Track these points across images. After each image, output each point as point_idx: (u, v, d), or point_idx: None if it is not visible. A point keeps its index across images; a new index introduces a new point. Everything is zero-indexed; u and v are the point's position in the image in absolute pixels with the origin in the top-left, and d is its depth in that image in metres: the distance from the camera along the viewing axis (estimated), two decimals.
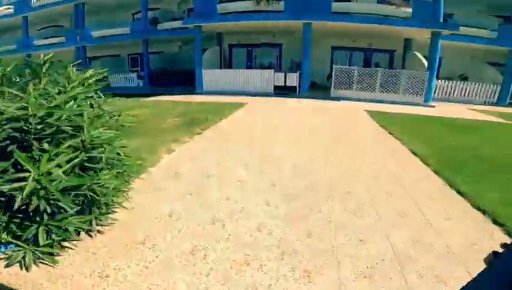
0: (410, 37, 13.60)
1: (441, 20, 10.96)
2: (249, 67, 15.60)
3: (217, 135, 5.94)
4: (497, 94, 14.27)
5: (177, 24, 15.29)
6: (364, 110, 9.49)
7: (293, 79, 12.04)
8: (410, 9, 11.24)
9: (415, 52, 13.22)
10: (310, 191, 3.38)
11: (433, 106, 11.31)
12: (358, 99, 11.48)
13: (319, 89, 13.93)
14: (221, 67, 15.27)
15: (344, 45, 14.95)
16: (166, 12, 17.85)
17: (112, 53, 20.20)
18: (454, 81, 14.46)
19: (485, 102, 14.35)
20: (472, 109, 11.97)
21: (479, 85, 14.31)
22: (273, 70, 12.46)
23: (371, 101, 11.35)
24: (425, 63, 11.88)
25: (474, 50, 15.20)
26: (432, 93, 11.67)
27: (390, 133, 6.41)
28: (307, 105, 10.31)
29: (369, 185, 3.57)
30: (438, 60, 11.20)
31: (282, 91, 12.37)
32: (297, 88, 12.17)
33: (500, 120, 9.42)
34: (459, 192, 3.40)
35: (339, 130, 6.76)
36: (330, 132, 6.50)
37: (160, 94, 12.97)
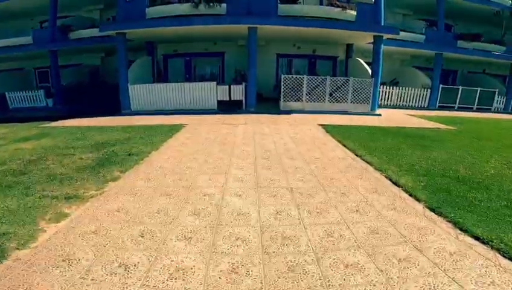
0: (352, 42, 13.55)
1: (382, 24, 10.88)
2: (187, 80, 13.91)
3: (142, 181, 4.20)
4: (427, 99, 15.12)
5: (95, 32, 12.85)
6: (319, 125, 8.68)
7: (238, 92, 10.78)
8: (354, 13, 10.95)
9: (357, 58, 13.18)
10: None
11: (380, 114, 11.17)
12: (310, 112, 10.72)
13: (266, 102, 12.93)
14: (154, 82, 13.29)
15: (289, 52, 14.32)
16: (83, 19, 15.14)
17: (15, 67, 16.49)
18: (394, 87, 14.90)
19: (418, 106, 15.10)
20: (411, 115, 12.24)
21: (413, 90, 15.01)
22: (215, 83, 10.97)
23: (321, 112, 10.71)
24: (368, 69, 11.75)
25: (403, 54, 16.04)
26: (378, 101, 11.56)
27: (359, 156, 5.49)
28: (256, 122, 9.09)
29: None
30: (381, 66, 11.11)
31: (227, 106, 11.00)
32: (244, 102, 10.93)
33: (444, 126, 9.52)
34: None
35: (305, 156, 5.60)
36: (298, 161, 5.27)
37: (74, 116, 10.44)
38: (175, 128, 7.93)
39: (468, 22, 17.13)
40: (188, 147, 6.18)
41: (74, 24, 14.24)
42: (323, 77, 10.73)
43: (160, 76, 14.19)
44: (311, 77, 10.71)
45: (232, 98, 10.71)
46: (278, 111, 10.69)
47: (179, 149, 5.98)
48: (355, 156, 5.54)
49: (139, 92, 10.86)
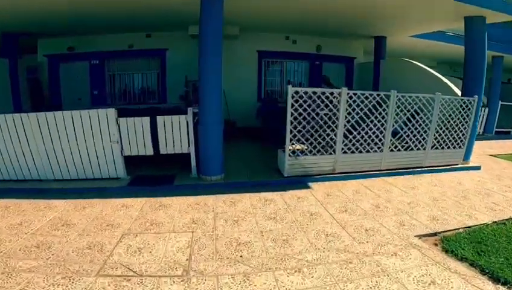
0: (383, 33, 7.98)
1: None
2: (96, 100, 7.43)
3: None
4: (483, 122, 9.99)
5: None
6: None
7: (176, 133, 4.37)
8: None
9: (404, 59, 7.59)
10: None
11: (478, 167, 5.55)
12: (348, 176, 4.71)
13: (243, 139, 6.86)
14: (20, 108, 6.65)
15: (279, 49, 8.42)
16: None
17: None
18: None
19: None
20: (493, 155, 6.87)
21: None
22: (111, 112, 4.24)
23: (370, 174, 4.80)
24: (448, 83, 6.12)
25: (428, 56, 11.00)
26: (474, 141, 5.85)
27: None
28: (234, 252, 2.92)
29: None
30: (484, 71, 5.52)
31: (155, 171, 4.70)
32: (194, 160, 4.54)
33: None
34: None
35: None
36: None
37: None
38: None
39: None
40: None
41: None
42: (384, 93, 4.70)
43: (42, 96, 7.57)
44: (359, 92, 4.53)
45: (165, 150, 4.36)
46: (279, 179, 4.52)
47: None
48: None
49: None
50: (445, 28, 7.74)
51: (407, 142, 5.03)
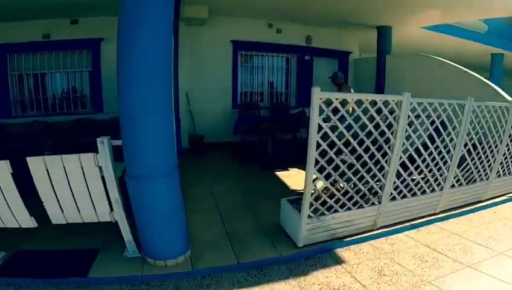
0: (388, 22, 6.38)
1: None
2: None
3: None
4: None
5: None
6: None
7: (82, 193, 2.00)
8: None
9: (422, 54, 6.00)
10: None
11: None
12: (396, 229, 2.91)
13: (218, 164, 4.85)
14: None
15: (259, 39, 6.43)
16: None
17: None
18: None
19: None
20: None
21: None
22: None
23: (429, 221, 3.05)
24: (496, 88, 4.54)
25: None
26: None
27: None
28: None
29: None
30: None
31: (71, 244, 2.53)
32: (129, 233, 2.20)
33: None
34: None
35: None
36: None
37: None
38: None
39: None
40: None
41: None
42: (456, 102, 2.83)
43: None
44: (425, 102, 2.59)
45: (62, 218, 2.14)
46: (290, 253, 2.50)
47: None
48: None
49: None
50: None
51: (472, 172, 3.34)
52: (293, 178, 4.37)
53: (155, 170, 1.93)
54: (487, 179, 3.54)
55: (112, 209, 2.23)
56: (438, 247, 2.61)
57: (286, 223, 2.81)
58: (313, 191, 2.40)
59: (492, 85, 4.52)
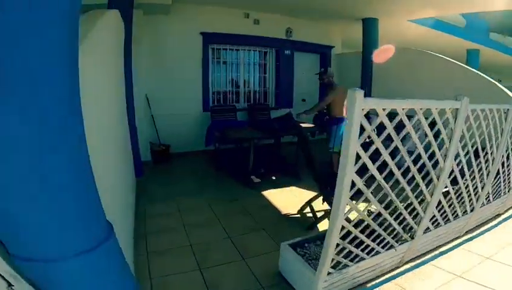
0: (374, 14, 5.84)
1: None
2: None
3: None
4: None
5: None
6: None
7: None
8: None
9: (424, 51, 5.44)
10: None
11: None
12: (423, 261, 2.26)
13: (187, 180, 3.90)
14: None
15: (233, 31, 5.55)
16: None
17: None
18: None
19: None
20: None
21: None
22: None
23: (455, 246, 2.43)
24: (503, 88, 4.07)
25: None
26: None
27: None
28: None
29: None
30: None
31: None
32: None
33: None
34: None
35: None
36: None
37: None
38: None
39: None
40: None
41: None
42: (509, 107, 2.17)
43: None
44: (487, 108, 1.89)
45: None
46: None
47: None
48: None
49: None
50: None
51: (499, 186, 2.79)
52: (282, 196, 3.59)
53: (60, 247, 0.96)
54: (509, 190, 3.04)
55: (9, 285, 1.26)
56: (472, 277, 1.97)
57: (290, 275, 2.01)
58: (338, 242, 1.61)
59: (501, 86, 4.07)
